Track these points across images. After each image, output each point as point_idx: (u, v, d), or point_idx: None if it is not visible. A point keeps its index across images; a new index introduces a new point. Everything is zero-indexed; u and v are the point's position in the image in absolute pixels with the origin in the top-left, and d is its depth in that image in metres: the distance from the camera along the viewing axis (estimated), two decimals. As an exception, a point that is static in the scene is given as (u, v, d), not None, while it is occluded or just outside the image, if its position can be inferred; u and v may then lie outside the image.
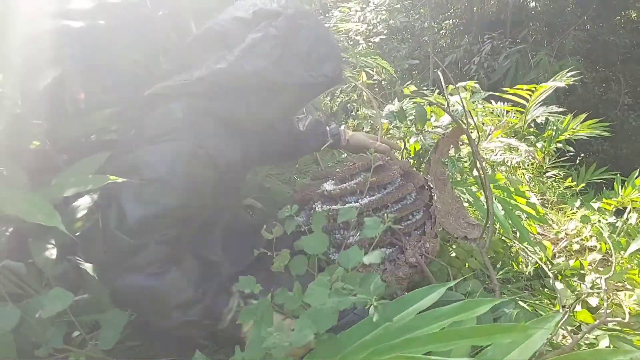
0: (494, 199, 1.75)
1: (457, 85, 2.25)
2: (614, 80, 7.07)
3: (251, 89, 0.95)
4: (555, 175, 3.32)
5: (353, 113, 2.77)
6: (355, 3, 4.51)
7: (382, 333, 0.84)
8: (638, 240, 1.70)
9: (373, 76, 3.44)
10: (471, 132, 1.47)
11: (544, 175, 3.30)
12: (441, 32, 6.79)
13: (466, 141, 1.50)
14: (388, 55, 5.02)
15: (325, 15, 3.10)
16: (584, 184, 3.01)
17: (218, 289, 0.93)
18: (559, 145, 3.11)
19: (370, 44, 4.38)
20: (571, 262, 2.05)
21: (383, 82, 3.82)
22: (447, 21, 6.82)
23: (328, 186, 1.44)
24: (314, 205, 1.47)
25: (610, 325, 1.43)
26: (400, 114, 2.23)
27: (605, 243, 1.99)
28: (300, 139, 1.47)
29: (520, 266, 2.14)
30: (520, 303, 1.45)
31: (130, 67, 0.98)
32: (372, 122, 2.27)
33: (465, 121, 1.52)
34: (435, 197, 1.43)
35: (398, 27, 4.64)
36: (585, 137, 3.15)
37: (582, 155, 6.92)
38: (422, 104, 1.93)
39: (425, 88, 4.47)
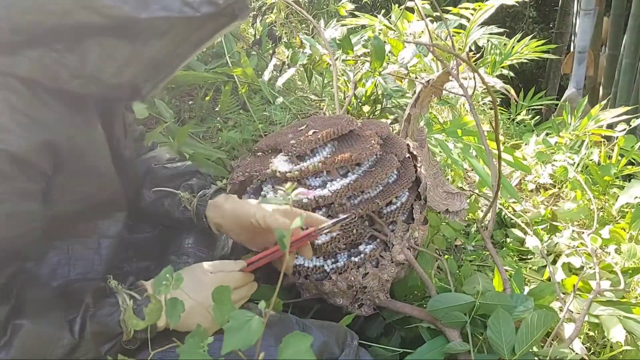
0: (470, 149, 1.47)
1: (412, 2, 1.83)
2: (520, -7, 7.10)
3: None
4: (489, 102, 3.15)
5: (283, 40, 2.25)
6: None
7: None
8: (629, 191, 1.51)
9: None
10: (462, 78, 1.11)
11: (481, 103, 3.12)
12: None
13: (454, 90, 1.14)
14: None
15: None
16: (529, 116, 2.86)
17: (93, 302, 0.75)
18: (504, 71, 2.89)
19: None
20: (539, 210, 1.88)
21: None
22: None
23: (281, 165, 1.02)
24: (262, 192, 1.06)
25: (606, 294, 1.26)
26: (345, 42, 1.80)
27: (582, 191, 1.80)
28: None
29: (476, 213, 1.95)
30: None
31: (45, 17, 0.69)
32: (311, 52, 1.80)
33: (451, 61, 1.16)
34: (422, 170, 1.08)
35: None
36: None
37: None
38: (378, 35, 1.52)
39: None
